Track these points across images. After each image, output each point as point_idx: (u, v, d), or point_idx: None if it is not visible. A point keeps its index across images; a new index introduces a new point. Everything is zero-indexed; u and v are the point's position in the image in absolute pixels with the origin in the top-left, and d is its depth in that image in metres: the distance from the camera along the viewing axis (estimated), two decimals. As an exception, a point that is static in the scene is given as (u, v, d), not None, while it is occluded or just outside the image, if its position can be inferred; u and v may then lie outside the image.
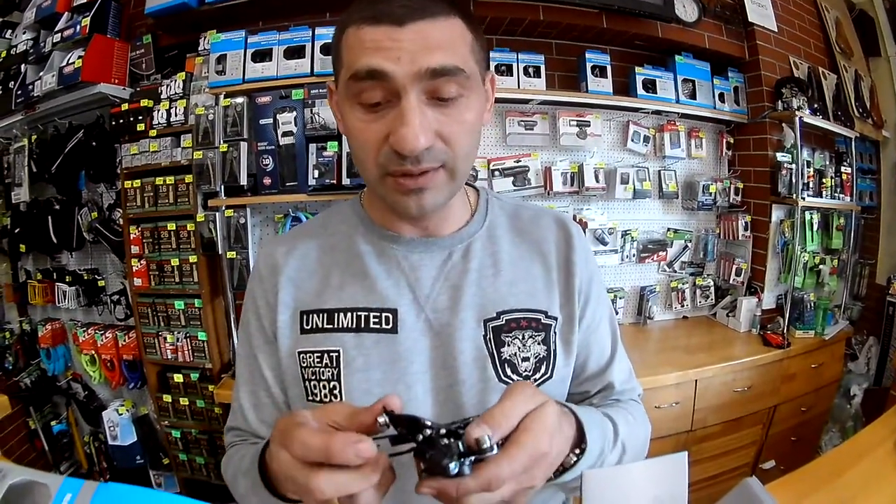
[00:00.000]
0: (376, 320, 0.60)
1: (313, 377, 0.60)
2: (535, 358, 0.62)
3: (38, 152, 2.07)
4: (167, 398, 1.92)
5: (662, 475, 0.57)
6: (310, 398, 0.61)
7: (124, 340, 2.01)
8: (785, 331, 2.12)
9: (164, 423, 1.96)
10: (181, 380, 1.89)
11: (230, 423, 0.70)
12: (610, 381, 0.69)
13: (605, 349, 0.70)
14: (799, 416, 2.16)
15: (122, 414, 2.03)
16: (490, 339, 0.61)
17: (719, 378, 1.87)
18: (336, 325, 0.61)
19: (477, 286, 0.63)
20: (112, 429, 2.03)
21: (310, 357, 0.61)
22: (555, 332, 0.64)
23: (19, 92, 2.04)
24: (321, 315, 0.62)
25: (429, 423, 0.39)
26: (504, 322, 0.62)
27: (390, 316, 0.60)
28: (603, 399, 0.70)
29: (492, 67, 0.60)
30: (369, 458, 0.38)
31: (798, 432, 2.19)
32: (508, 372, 0.61)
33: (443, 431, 0.39)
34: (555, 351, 0.64)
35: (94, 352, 2.06)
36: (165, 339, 1.87)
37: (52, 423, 2.27)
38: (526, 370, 0.62)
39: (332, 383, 0.59)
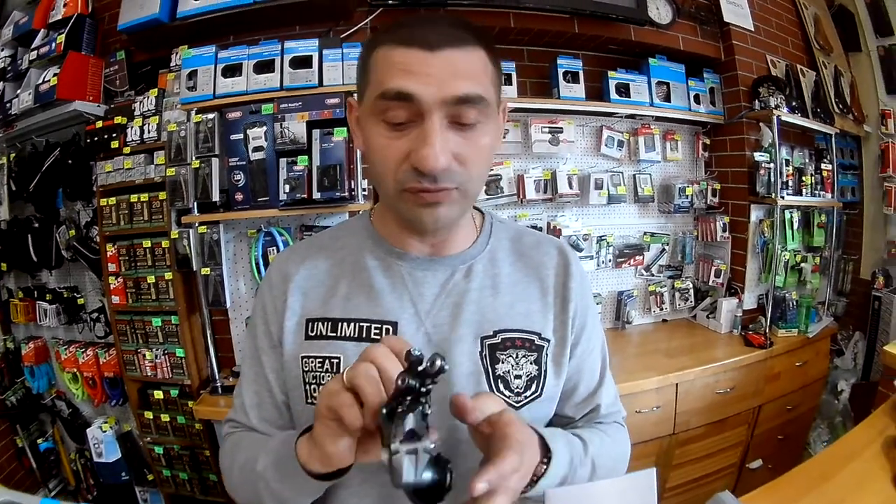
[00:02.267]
0: (377, 331, 0.63)
1: (314, 381, 0.63)
2: (527, 377, 0.65)
3: (17, 171, 2.07)
4: (149, 415, 1.92)
5: (630, 493, 0.57)
6: (309, 401, 0.64)
7: (105, 357, 2.00)
8: (767, 330, 2.11)
9: (147, 439, 1.96)
10: (161, 396, 1.89)
11: (230, 416, 0.73)
12: (597, 403, 0.73)
13: (595, 374, 0.74)
14: (785, 414, 2.15)
15: (105, 431, 2.03)
16: (486, 355, 0.64)
17: (701, 380, 1.86)
18: (339, 334, 0.64)
19: (476, 305, 0.65)
20: (97, 446, 2.03)
21: (312, 362, 0.64)
22: (546, 354, 0.67)
23: (-3, 110, 2.05)
24: (325, 323, 0.65)
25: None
26: (500, 340, 0.65)
27: (390, 328, 0.63)
28: (588, 422, 0.73)
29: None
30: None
31: (785, 430, 2.18)
32: (501, 387, 0.63)
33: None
34: (545, 371, 0.66)
35: (76, 369, 2.06)
36: (144, 356, 1.87)
37: (39, 440, 2.27)
38: (518, 387, 0.64)
39: None
